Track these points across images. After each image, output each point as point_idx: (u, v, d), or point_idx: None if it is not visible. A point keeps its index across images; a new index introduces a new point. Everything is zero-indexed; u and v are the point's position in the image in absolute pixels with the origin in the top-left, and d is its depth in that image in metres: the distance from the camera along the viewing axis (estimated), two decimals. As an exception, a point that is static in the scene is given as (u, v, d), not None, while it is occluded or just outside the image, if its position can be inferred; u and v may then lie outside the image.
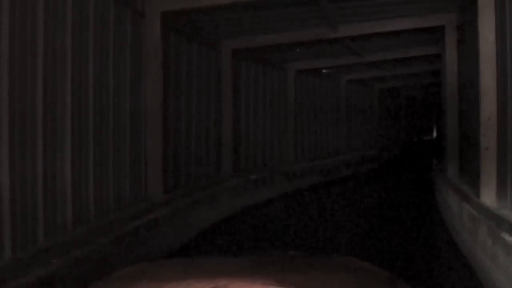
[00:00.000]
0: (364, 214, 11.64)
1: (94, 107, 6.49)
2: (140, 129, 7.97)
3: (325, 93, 18.96)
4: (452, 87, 10.51)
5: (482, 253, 6.52)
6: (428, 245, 8.75)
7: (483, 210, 6.80)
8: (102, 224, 6.12)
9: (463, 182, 9.53)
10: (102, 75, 6.79)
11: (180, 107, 9.82)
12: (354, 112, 21.41)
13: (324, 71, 18.52)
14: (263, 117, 14.47)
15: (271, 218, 11.26)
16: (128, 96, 7.59)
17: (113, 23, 7.07)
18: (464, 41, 10.20)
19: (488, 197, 6.94)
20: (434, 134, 38.69)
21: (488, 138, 7.06)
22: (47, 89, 5.44)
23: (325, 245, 8.66)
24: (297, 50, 13.65)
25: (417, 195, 14.23)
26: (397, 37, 13.19)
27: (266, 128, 14.64)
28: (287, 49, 13.72)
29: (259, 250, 7.89)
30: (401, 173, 20.58)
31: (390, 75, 20.21)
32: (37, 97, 5.28)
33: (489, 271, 6.05)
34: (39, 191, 5.28)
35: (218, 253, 8.09)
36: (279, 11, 9.93)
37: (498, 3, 6.97)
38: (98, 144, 6.61)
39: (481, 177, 7.08)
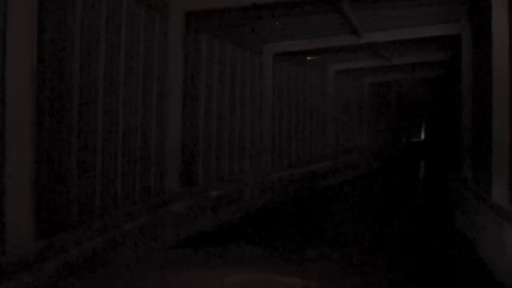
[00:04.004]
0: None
1: None
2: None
3: (310, 85, 15.59)
4: (500, 71, 7.23)
5: None
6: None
7: None
8: None
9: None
10: None
11: (93, 96, 6.32)
12: (343, 109, 18.12)
13: (309, 58, 15.19)
14: (231, 113, 11.01)
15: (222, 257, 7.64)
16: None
17: None
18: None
19: None
20: (422, 136, 35.82)
21: None
22: None
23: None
24: (277, 23, 10.23)
25: (431, 218, 10.97)
26: (407, 10, 9.94)
27: (235, 126, 11.19)
28: (263, 23, 10.30)
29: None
30: (399, 182, 17.35)
31: (382, 66, 16.96)
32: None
33: None
34: None
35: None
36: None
37: None
38: None
39: None
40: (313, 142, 15.68)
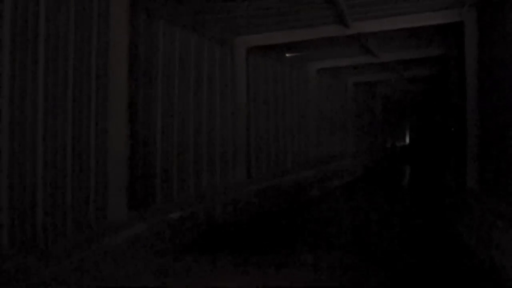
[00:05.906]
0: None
1: None
2: None
3: (289, 85, 13.95)
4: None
5: None
6: None
7: None
8: None
9: None
10: None
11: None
12: (326, 111, 16.52)
13: (288, 55, 13.57)
14: (197, 118, 9.28)
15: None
16: None
17: None
18: None
19: None
20: (407, 140, 34.48)
21: None
22: None
23: None
24: (249, 6, 8.53)
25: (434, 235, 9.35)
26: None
27: (203, 133, 9.46)
28: (235, 9, 8.61)
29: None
30: (389, 195, 15.74)
31: (367, 65, 15.40)
32: None
33: None
34: None
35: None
36: None
37: None
38: None
39: None
40: (293, 149, 14.03)
